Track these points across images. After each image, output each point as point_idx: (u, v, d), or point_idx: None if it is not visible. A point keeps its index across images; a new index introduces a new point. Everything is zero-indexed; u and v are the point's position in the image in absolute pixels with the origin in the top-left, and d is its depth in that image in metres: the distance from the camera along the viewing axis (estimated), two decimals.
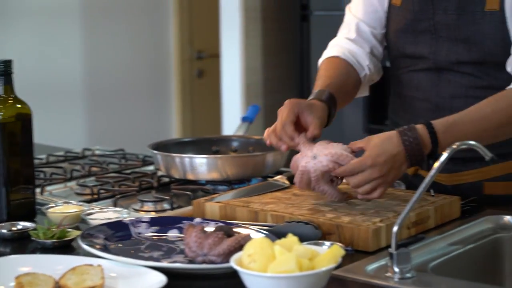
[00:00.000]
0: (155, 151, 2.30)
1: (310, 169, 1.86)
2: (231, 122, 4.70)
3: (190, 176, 2.25)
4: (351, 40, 2.24)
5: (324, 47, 4.57)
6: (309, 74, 4.61)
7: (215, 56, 5.77)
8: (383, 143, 1.84)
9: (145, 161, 2.61)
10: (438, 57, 2.09)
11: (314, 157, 1.87)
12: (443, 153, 1.58)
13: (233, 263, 1.47)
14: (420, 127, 1.86)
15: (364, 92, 2.31)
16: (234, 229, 1.70)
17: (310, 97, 2.05)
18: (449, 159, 1.60)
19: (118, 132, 5.27)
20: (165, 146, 2.40)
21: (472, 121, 1.91)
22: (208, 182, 2.26)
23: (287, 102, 1.97)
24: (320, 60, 2.27)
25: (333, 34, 4.66)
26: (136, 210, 2.05)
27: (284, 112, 1.94)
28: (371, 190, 1.83)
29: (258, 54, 4.74)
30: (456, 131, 1.88)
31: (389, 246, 1.69)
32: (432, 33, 2.10)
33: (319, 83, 2.11)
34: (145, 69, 5.51)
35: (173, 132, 5.69)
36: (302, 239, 1.57)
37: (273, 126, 1.95)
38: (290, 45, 4.82)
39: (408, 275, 1.55)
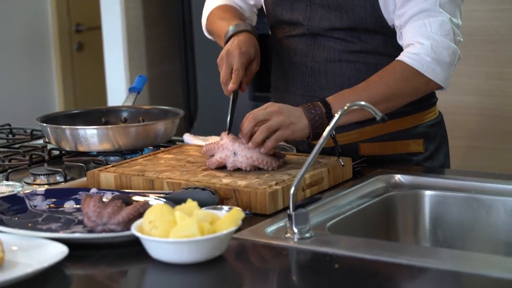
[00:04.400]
0: (45, 124, 2.27)
1: (228, 164, 1.91)
2: (116, 94, 4.65)
3: (82, 148, 2.23)
4: None
5: None
6: (193, 45, 4.60)
7: (95, 28, 5.69)
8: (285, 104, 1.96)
9: (34, 135, 2.57)
10: (312, 24, 2.14)
11: (234, 153, 1.89)
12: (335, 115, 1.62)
13: (134, 230, 1.48)
14: (317, 102, 1.96)
15: None
16: (132, 198, 1.70)
17: (240, 28, 2.10)
18: None
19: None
20: (54, 119, 2.36)
21: (359, 88, 1.98)
22: (100, 153, 2.24)
23: (234, 51, 2.03)
24: (208, 10, 2.33)
25: None
26: (29, 184, 2.02)
27: (236, 61, 2.01)
28: (267, 132, 1.87)
29: (139, 25, 4.70)
30: (345, 96, 1.96)
31: (286, 209, 1.73)
32: (307, 0, 2.13)
33: (232, 21, 2.16)
34: (23, 43, 5.39)
35: (55, 106, 5.59)
36: (200, 204, 1.58)
37: (223, 78, 2.02)
38: (172, 15, 4.79)
39: (307, 235, 1.58)
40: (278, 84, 2.27)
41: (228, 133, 1.94)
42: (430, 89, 2.05)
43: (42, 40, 5.56)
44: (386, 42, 2.09)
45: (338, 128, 2.06)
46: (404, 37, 2.03)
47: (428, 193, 1.93)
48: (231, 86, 1.99)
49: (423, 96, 2.09)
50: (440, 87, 2.03)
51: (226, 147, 1.92)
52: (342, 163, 1.94)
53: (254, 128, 1.90)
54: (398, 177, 1.98)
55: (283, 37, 2.22)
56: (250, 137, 1.90)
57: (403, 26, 2.03)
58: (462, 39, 2.04)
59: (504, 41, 3.47)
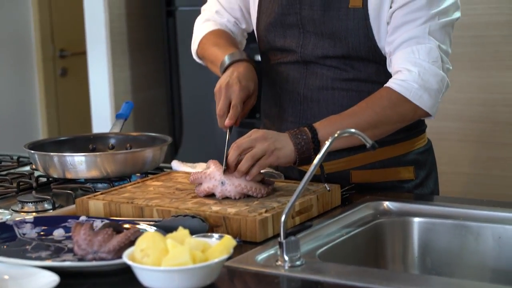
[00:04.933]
0: (32, 151, 2.26)
1: (216, 193, 1.91)
2: (101, 120, 4.65)
3: (69, 175, 2.22)
4: (226, 20, 2.33)
5: (190, 41, 4.59)
6: (178, 69, 4.62)
7: (79, 54, 5.69)
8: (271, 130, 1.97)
9: (20, 162, 2.56)
10: (305, 51, 2.14)
11: (222, 183, 1.90)
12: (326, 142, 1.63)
13: (126, 258, 1.47)
14: (304, 128, 1.96)
15: None
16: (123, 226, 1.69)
17: (239, 57, 2.09)
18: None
19: None
20: (41, 146, 2.36)
21: (346, 115, 1.99)
22: (88, 180, 2.24)
23: (235, 85, 2.01)
24: (202, 33, 2.30)
25: None
26: (17, 211, 2.02)
27: (235, 95, 2.00)
28: (252, 160, 1.87)
29: (124, 50, 4.71)
30: (332, 122, 1.97)
31: (276, 236, 1.73)
32: (300, 27, 2.14)
33: (229, 48, 2.16)
34: (7, 68, 5.38)
35: (39, 132, 5.58)
36: (190, 232, 1.57)
37: (221, 111, 2.00)
38: (157, 41, 4.81)
39: (298, 262, 1.58)
40: (269, 111, 2.27)
41: (225, 169, 1.92)
42: (418, 116, 2.06)
43: (26, 65, 5.56)
44: (379, 70, 2.10)
45: (329, 155, 2.06)
46: (393, 64, 2.04)
47: (416, 220, 1.93)
48: (227, 121, 1.98)
49: (412, 123, 2.10)
50: (427, 115, 2.04)
51: (213, 177, 1.92)
52: (328, 188, 1.95)
53: (239, 157, 1.90)
54: (386, 204, 1.98)
55: (275, 64, 2.22)
56: (237, 165, 1.91)
57: (393, 53, 2.04)
58: (451, 67, 2.06)
59: (487, 67, 3.50)
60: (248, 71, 2.07)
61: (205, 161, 2.38)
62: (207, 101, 4.57)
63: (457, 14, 2.07)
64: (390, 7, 2.04)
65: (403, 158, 2.17)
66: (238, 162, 1.91)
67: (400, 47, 2.03)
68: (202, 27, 2.32)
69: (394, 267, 1.93)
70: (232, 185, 1.89)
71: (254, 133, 1.93)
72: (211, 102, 4.79)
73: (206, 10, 2.38)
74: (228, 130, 2.01)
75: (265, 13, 2.21)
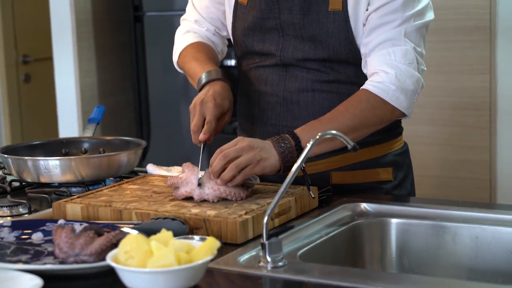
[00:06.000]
0: (6, 155, 2.24)
1: (194, 196, 1.91)
2: (68, 125, 4.61)
3: (44, 179, 2.21)
4: (205, 30, 2.33)
5: (158, 47, 4.57)
6: (145, 74, 4.60)
7: (42, 60, 5.65)
8: (255, 139, 1.97)
9: None
10: (285, 54, 2.15)
11: (199, 186, 1.90)
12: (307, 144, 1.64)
13: (110, 261, 1.46)
14: (286, 135, 1.97)
15: None
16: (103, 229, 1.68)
17: (214, 76, 2.11)
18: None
19: None
20: (14, 150, 2.34)
21: (327, 119, 2.00)
22: (62, 184, 2.22)
23: (209, 102, 2.03)
24: (182, 45, 2.30)
25: (167, 34, 4.67)
26: None
27: (208, 113, 2.01)
28: (237, 170, 1.87)
29: (91, 56, 4.68)
30: (312, 127, 1.98)
31: (256, 238, 1.74)
32: (279, 31, 2.15)
33: (206, 64, 2.17)
34: None
35: (3, 140, 5.52)
36: None
37: (195, 126, 2.01)
38: (124, 46, 4.79)
39: (280, 263, 1.59)
40: (247, 113, 2.28)
41: (199, 184, 1.91)
42: (395, 117, 2.07)
43: None
44: (359, 72, 2.11)
45: (309, 157, 2.07)
46: (369, 66, 2.06)
47: (394, 221, 1.95)
48: (201, 136, 1.99)
49: (391, 125, 2.12)
50: (404, 115, 2.06)
51: (189, 181, 1.92)
52: (313, 196, 1.95)
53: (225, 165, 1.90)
54: (364, 205, 2.00)
55: (253, 67, 2.22)
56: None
57: (368, 54, 2.06)
58: (425, 68, 2.08)
59: (455, 72, 3.54)
60: (223, 90, 2.08)
61: (174, 164, 2.39)
62: (175, 105, 4.57)
63: (430, 16, 2.10)
64: (367, 9, 2.06)
65: (381, 160, 2.19)
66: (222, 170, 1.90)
67: (376, 49, 2.04)
68: (182, 38, 2.32)
69: (372, 267, 1.94)
70: (211, 189, 1.89)
71: (240, 142, 1.93)
72: (179, 106, 4.80)
73: (185, 20, 2.38)
74: (202, 146, 2.02)
75: (241, 18, 2.21)
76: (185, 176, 1.92)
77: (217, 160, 1.89)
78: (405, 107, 2.03)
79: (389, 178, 2.19)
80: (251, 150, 1.91)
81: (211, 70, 2.13)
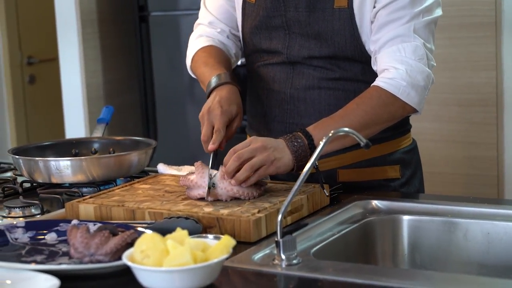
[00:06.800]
0: (17, 156, 2.25)
1: (207, 198, 1.91)
2: (74, 126, 4.62)
3: (55, 180, 2.21)
4: (218, 32, 2.31)
5: (164, 46, 4.57)
6: (152, 74, 4.61)
7: (47, 61, 5.66)
8: (268, 138, 1.96)
9: (1, 168, 2.54)
10: (291, 52, 2.15)
11: (213, 185, 1.90)
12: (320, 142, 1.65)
13: (126, 260, 1.47)
14: (298, 133, 1.96)
15: None
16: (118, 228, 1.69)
17: (222, 80, 2.10)
18: None
19: None
20: (25, 151, 2.34)
21: (339, 116, 2.00)
22: (73, 184, 2.23)
23: (216, 109, 2.03)
24: (194, 50, 2.29)
25: (172, 33, 4.68)
26: (4, 217, 2.00)
27: (217, 122, 2.00)
28: (251, 170, 1.88)
29: (97, 56, 4.69)
30: (325, 125, 1.98)
31: (269, 236, 1.75)
32: (285, 29, 2.15)
33: (216, 69, 2.15)
34: None
35: (8, 141, 5.53)
36: None
37: (205, 136, 2.00)
38: (130, 46, 4.79)
39: (295, 261, 1.59)
40: (255, 111, 2.28)
41: (208, 194, 1.91)
42: (406, 113, 2.08)
43: None
44: (365, 69, 2.12)
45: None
46: (379, 63, 2.06)
47: (405, 217, 1.95)
48: (211, 146, 1.98)
49: (398, 122, 2.12)
50: (415, 111, 2.07)
51: (200, 184, 1.92)
52: (327, 194, 1.96)
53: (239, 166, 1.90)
54: (375, 202, 2.00)
55: (260, 65, 2.23)
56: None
57: (378, 51, 2.06)
58: (435, 64, 2.08)
59: (461, 68, 3.54)
60: (230, 94, 2.07)
61: (182, 163, 2.40)
62: (181, 104, 4.58)
63: (439, 12, 2.10)
64: (374, 7, 2.06)
65: (389, 157, 2.19)
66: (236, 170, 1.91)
67: (385, 45, 2.05)
68: (195, 43, 2.31)
69: (384, 264, 1.95)
70: (224, 189, 1.90)
71: (253, 142, 1.93)
72: (185, 105, 4.80)
73: (199, 24, 2.36)
74: (212, 154, 2.01)
75: (250, 16, 2.22)
76: (196, 179, 1.93)
77: (231, 161, 1.89)
78: (416, 103, 2.04)
79: (397, 175, 2.19)
80: (265, 151, 1.91)
81: (220, 74, 2.12)
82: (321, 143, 1.63)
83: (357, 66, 2.13)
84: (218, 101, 2.04)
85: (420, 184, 2.27)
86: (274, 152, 1.92)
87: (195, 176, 1.93)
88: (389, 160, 2.19)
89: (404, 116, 2.11)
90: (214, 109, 2.03)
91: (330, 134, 1.64)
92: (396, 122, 2.12)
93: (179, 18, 4.39)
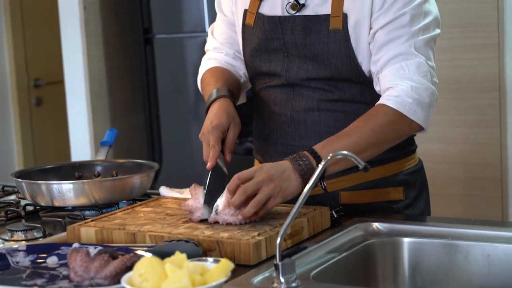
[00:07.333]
0: (20, 179, 2.26)
1: (209, 220, 1.92)
2: (80, 148, 4.64)
3: (57, 203, 2.22)
4: (224, 54, 2.34)
5: (168, 68, 4.60)
6: (156, 96, 4.63)
7: (54, 83, 5.69)
8: (272, 163, 1.94)
9: (5, 191, 2.55)
10: (290, 74, 2.16)
11: (216, 212, 1.91)
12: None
13: (124, 283, 1.48)
14: (304, 152, 1.94)
15: (242, 99, 2.38)
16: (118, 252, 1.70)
17: (212, 97, 2.14)
18: None
19: None
20: (28, 174, 2.35)
21: (345, 135, 1.98)
22: (76, 208, 2.24)
23: (207, 126, 2.06)
24: (200, 75, 2.34)
25: (176, 55, 4.71)
26: (6, 240, 2.01)
27: (211, 139, 2.03)
28: (257, 207, 1.87)
29: (102, 78, 4.71)
30: (332, 144, 1.96)
31: (269, 259, 1.75)
32: (284, 51, 2.17)
33: (212, 86, 2.19)
34: None
35: (15, 164, 5.55)
36: None
37: (205, 156, 2.03)
38: (134, 68, 4.82)
39: (294, 284, 1.59)
40: (259, 134, 2.30)
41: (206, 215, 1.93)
42: (413, 131, 2.06)
43: (0, 95, 5.54)
44: (364, 90, 2.12)
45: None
46: (382, 82, 2.05)
47: (406, 240, 1.95)
48: (208, 164, 2.00)
49: (402, 143, 2.11)
50: (421, 128, 2.04)
51: (196, 207, 1.94)
52: (336, 215, 1.96)
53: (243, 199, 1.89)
54: (375, 225, 2.00)
55: (262, 88, 2.24)
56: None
57: (380, 71, 2.05)
58: (437, 81, 2.07)
59: (465, 90, 3.55)
60: (220, 108, 2.10)
61: (187, 185, 2.40)
62: (186, 126, 4.59)
63: (437, 30, 2.10)
64: (371, 28, 2.07)
65: (392, 179, 2.18)
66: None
67: (387, 64, 2.04)
68: (203, 66, 2.35)
69: (385, 287, 1.95)
70: (227, 214, 1.90)
71: (258, 174, 1.89)
72: (190, 127, 4.81)
73: (208, 50, 2.40)
74: (210, 171, 2.01)
75: (249, 40, 2.23)
76: (192, 203, 1.94)
77: (236, 194, 1.88)
78: (422, 120, 2.02)
79: (400, 197, 2.19)
80: (271, 182, 1.88)
81: (212, 92, 2.16)
82: (320, 166, 1.64)
83: (356, 88, 2.12)
84: (209, 118, 2.08)
85: (425, 206, 2.26)
86: (280, 182, 1.89)
87: (192, 200, 1.94)
88: (392, 182, 2.18)
89: (411, 134, 2.10)
90: (207, 127, 2.06)
91: (329, 157, 1.65)
92: (401, 143, 2.11)
93: (183, 40, 4.42)
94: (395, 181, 2.19)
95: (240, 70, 2.34)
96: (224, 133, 2.06)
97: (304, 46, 2.12)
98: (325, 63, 2.11)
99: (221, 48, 2.35)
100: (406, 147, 2.21)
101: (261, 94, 2.26)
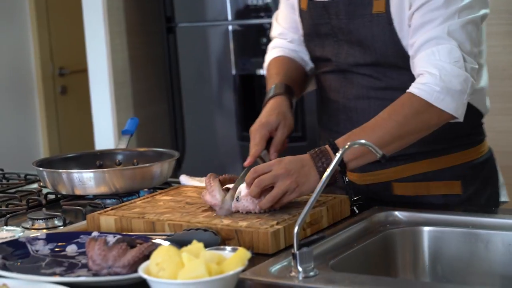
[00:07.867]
0: (41, 168, 2.27)
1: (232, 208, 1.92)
2: (103, 136, 4.66)
3: (78, 192, 2.23)
4: (288, 41, 2.32)
5: (191, 57, 4.60)
6: (179, 85, 4.63)
7: (78, 71, 5.71)
8: (292, 157, 1.91)
9: (28, 179, 2.57)
10: (339, 60, 2.13)
11: (237, 199, 1.91)
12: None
13: (141, 272, 1.48)
14: (326, 147, 1.91)
15: (312, 86, 2.35)
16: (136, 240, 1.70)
17: (269, 95, 2.14)
18: None
19: None
20: (49, 163, 2.36)
21: (370, 129, 1.93)
22: (96, 196, 2.25)
23: (255, 124, 2.08)
24: (266, 64, 2.33)
25: (199, 44, 4.70)
26: (27, 229, 2.02)
27: (256, 137, 2.05)
28: (273, 201, 1.86)
29: (126, 67, 4.72)
30: (355, 138, 1.89)
31: (287, 248, 1.75)
32: (333, 36, 2.14)
33: (272, 81, 2.20)
34: (6, 88, 5.40)
35: (40, 150, 5.59)
36: (203, 245, 1.58)
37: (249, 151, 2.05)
38: (157, 57, 4.82)
39: (312, 273, 1.59)
40: (321, 120, 2.29)
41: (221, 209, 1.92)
42: (444, 121, 1.96)
43: (26, 84, 5.58)
44: (413, 78, 1.99)
45: (369, 166, 2.03)
46: (415, 67, 1.98)
47: (426, 229, 1.94)
48: (246, 162, 2.01)
49: (464, 133, 2.06)
50: (453, 118, 1.95)
51: (211, 202, 1.94)
52: (357, 211, 1.97)
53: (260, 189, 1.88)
54: (396, 213, 1.99)
55: (319, 74, 2.23)
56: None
57: (414, 56, 1.98)
58: (476, 66, 1.98)
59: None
60: (272, 107, 2.11)
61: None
62: (209, 115, 4.59)
63: (482, 11, 2.00)
64: (410, 9, 2.00)
65: (449, 172, 2.11)
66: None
67: (420, 49, 1.96)
68: (268, 55, 2.35)
69: (405, 276, 1.94)
70: (248, 201, 1.89)
71: (275, 168, 1.87)
72: (213, 116, 4.80)
73: (273, 37, 2.38)
74: (245, 169, 1.99)
75: (304, 24, 2.22)
76: (207, 198, 1.95)
77: (252, 186, 1.87)
78: (452, 109, 1.93)
79: (457, 192, 2.11)
80: (287, 177, 1.85)
81: (271, 88, 2.17)
82: (337, 155, 1.63)
83: (404, 75, 2.03)
84: (260, 117, 2.09)
85: (487, 202, 2.16)
86: (298, 178, 1.86)
87: (208, 196, 1.94)
88: (449, 175, 2.11)
89: (442, 123, 1.97)
90: (255, 125, 2.08)
91: (347, 146, 1.64)
92: (460, 134, 2.05)
93: (206, 29, 4.41)
94: (453, 174, 2.12)
95: (306, 55, 2.29)
96: (272, 132, 2.06)
97: (349, 31, 2.09)
98: (370, 48, 2.06)
99: (285, 34, 2.32)
100: (468, 137, 2.14)
101: (319, 79, 2.25)
